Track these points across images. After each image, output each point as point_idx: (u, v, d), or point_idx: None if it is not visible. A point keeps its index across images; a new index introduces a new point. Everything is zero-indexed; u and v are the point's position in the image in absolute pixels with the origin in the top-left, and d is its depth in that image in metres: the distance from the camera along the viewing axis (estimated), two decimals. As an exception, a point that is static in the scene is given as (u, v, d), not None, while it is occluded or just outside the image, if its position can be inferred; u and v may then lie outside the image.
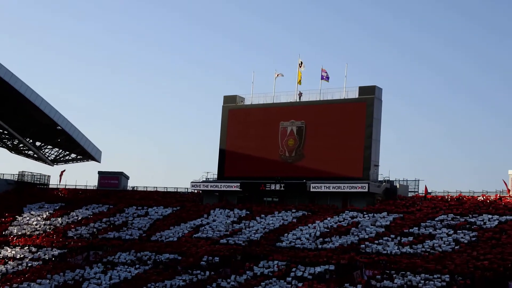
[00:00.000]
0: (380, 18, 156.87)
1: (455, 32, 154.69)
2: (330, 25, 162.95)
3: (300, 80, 69.80)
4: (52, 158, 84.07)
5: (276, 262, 53.89)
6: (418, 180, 66.16)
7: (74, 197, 78.73)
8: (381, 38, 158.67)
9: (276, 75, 71.34)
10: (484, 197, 60.61)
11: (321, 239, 57.03)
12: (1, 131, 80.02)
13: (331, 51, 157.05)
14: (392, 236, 55.16)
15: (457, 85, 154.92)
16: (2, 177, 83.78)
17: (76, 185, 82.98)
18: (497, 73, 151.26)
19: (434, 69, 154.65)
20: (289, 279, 50.88)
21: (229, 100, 73.63)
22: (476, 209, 57.98)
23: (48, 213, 73.94)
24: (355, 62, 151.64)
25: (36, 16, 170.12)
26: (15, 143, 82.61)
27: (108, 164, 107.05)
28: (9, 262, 62.70)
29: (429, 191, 64.22)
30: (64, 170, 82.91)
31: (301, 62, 69.72)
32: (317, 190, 64.94)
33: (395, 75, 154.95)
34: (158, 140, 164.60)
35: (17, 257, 63.47)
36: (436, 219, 57.01)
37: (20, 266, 61.26)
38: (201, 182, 72.08)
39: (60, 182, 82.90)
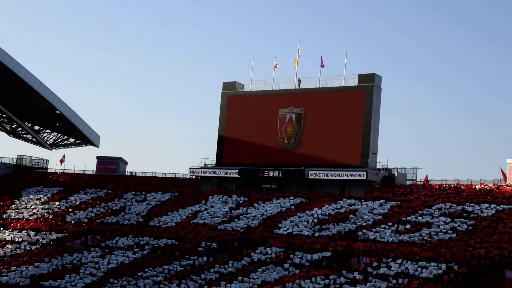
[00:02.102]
0: (381, 5, 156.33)
1: (456, 19, 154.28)
2: (330, 11, 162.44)
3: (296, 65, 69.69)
4: (51, 142, 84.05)
5: (273, 248, 54.08)
6: (416, 169, 66.42)
7: (73, 182, 78.80)
8: (381, 26, 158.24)
9: (275, 64, 71.25)
10: (482, 186, 60.73)
11: (319, 226, 57.20)
12: (0, 114, 79.91)
13: (331, 38, 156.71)
14: (390, 224, 55.34)
15: (457, 74, 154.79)
16: (0, 161, 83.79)
17: (74, 170, 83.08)
18: (497, 61, 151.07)
19: (434, 57, 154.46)
20: (286, 265, 51.09)
21: (228, 87, 73.54)
22: (474, 197, 58.12)
23: (47, 197, 74.05)
24: (355, 49, 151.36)
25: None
26: (13, 126, 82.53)
27: (107, 149, 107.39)
28: (7, 245, 62.90)
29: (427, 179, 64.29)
30: (64, 156, 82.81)
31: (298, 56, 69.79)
32: (315, 177, 65.04)
33: (394, 63, 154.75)
34: (157, 126, 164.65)
35: (15, 241, 63.64)
36: (434, 207, 57.15)
37: (18, 250, 61.46)
38: (199, 168, 72.15)
39: (61, 164, 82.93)
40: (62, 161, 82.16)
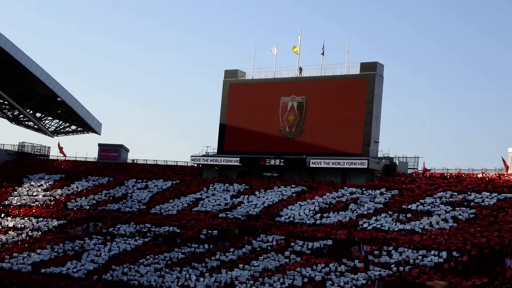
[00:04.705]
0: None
1: (458, 9, 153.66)
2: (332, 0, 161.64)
3: (297, 50, 69.43)
4: (53, 129, 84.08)
5: (274, 236, 54.22)
6: (418, 157, 66.31)
7: (74, 169, 78.88)
8: (384, 13, 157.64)
9: (273, 50, 71.04)
10: (484, 175, 60.70)
11: (320, 214, 57.30)
12: (1, 101, 79.90)
13: (333, 27, 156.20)
14: (391, 212, 55.42)
15: (459, 63, 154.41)
16: (2, 148, 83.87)
17: (76, 157, 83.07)
18: (500, 50, 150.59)
19: (436, 46, 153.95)
20: (287, 253, 51.24)
21: (230, 75, 73.39)
22: (475, 186, 58.11)
23: (48, 184, 74.18)
24: (357, 38, 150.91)
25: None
26: (15, 113, 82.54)
27: (109, 136, 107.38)
28: (9, 232, 63.13)
29: (428, 168, 64.33)
30: (59, 144, 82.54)
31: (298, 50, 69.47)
32: (317, 165, 65.05)
33: (397, 51, 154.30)
34: (158, 114, 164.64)
35: (18, 227, 63.86)
36: (435, 196, 57.17)
37: (20, 236, 61.67)
38: (201, 156, 72.16)
39: (61, 154, 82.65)
40: (61, 150, 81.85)
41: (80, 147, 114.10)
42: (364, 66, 66.02)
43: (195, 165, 74.04)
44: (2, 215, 67.39)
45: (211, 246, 54.69)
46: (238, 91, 72.50)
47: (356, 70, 66.57)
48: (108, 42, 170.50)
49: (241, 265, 50.00)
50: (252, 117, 70.78)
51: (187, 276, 49.55)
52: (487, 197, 55.37)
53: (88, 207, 66.97)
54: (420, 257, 47.05)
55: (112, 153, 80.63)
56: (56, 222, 63.93)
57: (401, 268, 45.91)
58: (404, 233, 51.20)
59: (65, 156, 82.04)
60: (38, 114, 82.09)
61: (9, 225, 64.55)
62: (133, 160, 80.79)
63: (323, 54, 68.27)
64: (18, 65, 69.88)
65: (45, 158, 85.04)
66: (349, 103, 66.04)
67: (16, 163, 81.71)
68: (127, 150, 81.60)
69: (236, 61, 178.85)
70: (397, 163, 65.68)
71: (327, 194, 61.17)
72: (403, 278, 44.00)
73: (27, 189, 73.49)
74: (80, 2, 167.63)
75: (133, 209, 65.33)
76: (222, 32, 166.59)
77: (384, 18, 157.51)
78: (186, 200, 65.51)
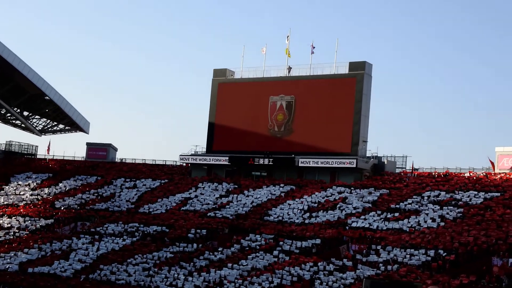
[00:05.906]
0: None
1: (446, 7, 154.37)
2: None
3: (288, 52, 69.50)
4: (40, 128, 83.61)
5: (263, 235, 54.23)
6: (406, 157, 66.63)
7: (62, 168, 78.52)
8: (372, 13, 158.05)
9: (263, 50, 71.08)
10: (471, 174, 61.03)
11: (309, 213, 57.37)
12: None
13: (322, 25, 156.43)
14: (379, 211, 55.59)
15: (445, 62, 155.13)
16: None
17: (64, 156, 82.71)
18: (485, 51, 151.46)
19: (424, 46, 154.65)
20: (276, 252, 51.26)
21: (219, 74, 73.33)
22: (463, 185, 58.40)
23: (36, 183, 73.78)
24: (346, 37, 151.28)
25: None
26: (2, 112, 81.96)
27: (97, 135, 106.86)
28: (-4, 231, 62.73)
29: (416, 167, 64.63)
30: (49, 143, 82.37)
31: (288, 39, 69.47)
32: (306, 165, 65.16)
33: (385, 51, 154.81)
34: (147, 113, 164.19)
35: (4, 227, 63.45)
36: (423, 195, 57.40)
37: (7, 236, 61.27)
38: (189, 155, 72.07)
39: (48, 153, 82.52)
40: (48, 148, 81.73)
41: (68, 146, 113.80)
42: (353, 65, 66.19)
43: (184, 164, 73.93)
44: (-11, 215, 66.93)
45: (200, 245, 54.60)
46: (227, 90, 72.46)
47: (344, 70, 66.73)
48: (96, 42, 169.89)
49: (229, 265, 49.96)
50: (241, 116, 70.76)
51: (176, 275, 49.46)
52: (474, 196, 55.64)
53: (76, 206, 66.67)
54: (408, 256, 47.22)
55: (100, 152, 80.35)
56: (43, 222, 63.58)
57: (389, 267, 46.06)
58: (392, 232, 51.38)
59: (48, 154, 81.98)
60: (25, 113, 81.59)
61: (-4, 225, 64.12)
62: (121, 159, 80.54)
63: (313, 52, 68.28)
64: (5, 63, 69.40)
65: (33, 157, 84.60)
66: (337, 102, 66.17)
67: (3, 162, 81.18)
68: (115, 149, 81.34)
69: (225, 60, 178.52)
70: (386, 163, 65.90)
71: (316, 193, 61.26)
72: (391, 277, 44.15)
73: (14, 188, 73.06)
74: (68, 2, 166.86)
75: (122, 209, 65.12)
76: (211, 31, 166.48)
77: (373, 17, 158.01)
78: (174, 200, 65.39)
